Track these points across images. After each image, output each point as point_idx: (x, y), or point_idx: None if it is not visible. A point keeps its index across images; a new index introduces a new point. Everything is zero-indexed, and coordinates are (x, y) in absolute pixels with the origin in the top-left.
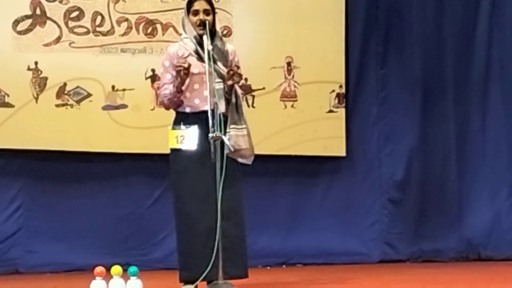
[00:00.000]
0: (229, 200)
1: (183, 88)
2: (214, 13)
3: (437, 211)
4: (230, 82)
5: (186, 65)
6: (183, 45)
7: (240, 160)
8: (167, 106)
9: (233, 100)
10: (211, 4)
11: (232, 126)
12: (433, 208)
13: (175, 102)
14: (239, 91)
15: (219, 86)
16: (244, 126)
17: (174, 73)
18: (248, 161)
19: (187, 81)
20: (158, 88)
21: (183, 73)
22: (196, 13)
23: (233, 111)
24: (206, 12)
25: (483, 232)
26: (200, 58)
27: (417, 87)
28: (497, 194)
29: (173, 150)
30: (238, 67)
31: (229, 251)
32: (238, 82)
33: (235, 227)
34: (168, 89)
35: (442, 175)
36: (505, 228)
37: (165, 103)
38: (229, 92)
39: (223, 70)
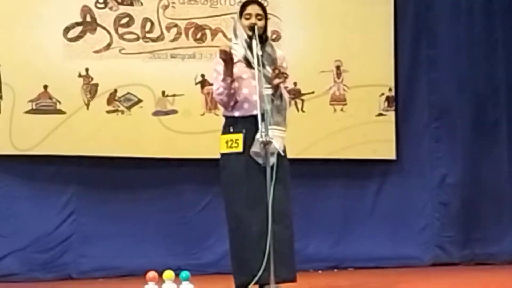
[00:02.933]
0: (279, 204)
1: (233, 79)
2: (266, 19)
3: (489, 214)
4: (276, 81)
5: (227, 49)
6: (232, 51)
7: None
8: (226, 104)
9: (277, 102)
10: (264, 10)
11: (273, 126)
12: (485, 211)
13: (232, 95)
14: (287, 95)
15: (268, 92)
16: (285, 129)
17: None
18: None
19: (236, 85)
20: (209, 93)
21: (225, 56)
22: (248, 17)
23: (276, 112)
24: (258, 17)
25: None
26: (249, 64)
27: (468, 90)
28: None
29: (223, 154)
30: (284, 68)
31: (279, 254)
32: (283, 82)
33: (285, 230)
34: (222, 87)
35: (494, 178)
36: None
37: (224, 100)
38: (274, 93)
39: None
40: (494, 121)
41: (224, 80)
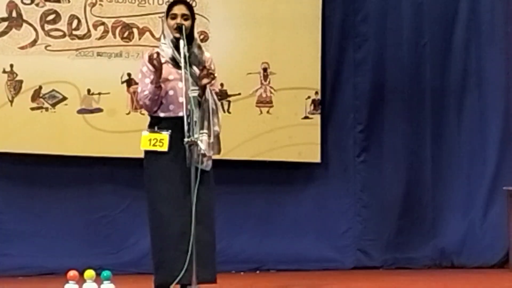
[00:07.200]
0: (201, 205)
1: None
2: (193, 20)
3: (411, 218)
4: (204, 81)
5: (155, 55)
6: (159, 51)
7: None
8: (149, 108)
9: (205, 105)
10: (190, 10)
11: (203, 131)
12: (407, 215)
13: (156, 101)
14: (214, 97)
15: (195, 93)
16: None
17: (152, 77)
18: (207, 167)
19: (162, 86)
20: (135, 93)
21: (156, 62)
22: (174, 17)
23: (206, 117)
24: (184, 17)
25: (456, 240)
26: (176, 65)
27: (394, 94)
28: (471, 203)
29: (147, 153)
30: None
31: (199, 255)
32: (210, 82)
33: (206, 231)
34: (147, 90)
35: (417, 183)
36: (479, 236)
37: (146, 104)
38: (201, 94)
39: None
40: (418, 125)
41: (151, 83)
